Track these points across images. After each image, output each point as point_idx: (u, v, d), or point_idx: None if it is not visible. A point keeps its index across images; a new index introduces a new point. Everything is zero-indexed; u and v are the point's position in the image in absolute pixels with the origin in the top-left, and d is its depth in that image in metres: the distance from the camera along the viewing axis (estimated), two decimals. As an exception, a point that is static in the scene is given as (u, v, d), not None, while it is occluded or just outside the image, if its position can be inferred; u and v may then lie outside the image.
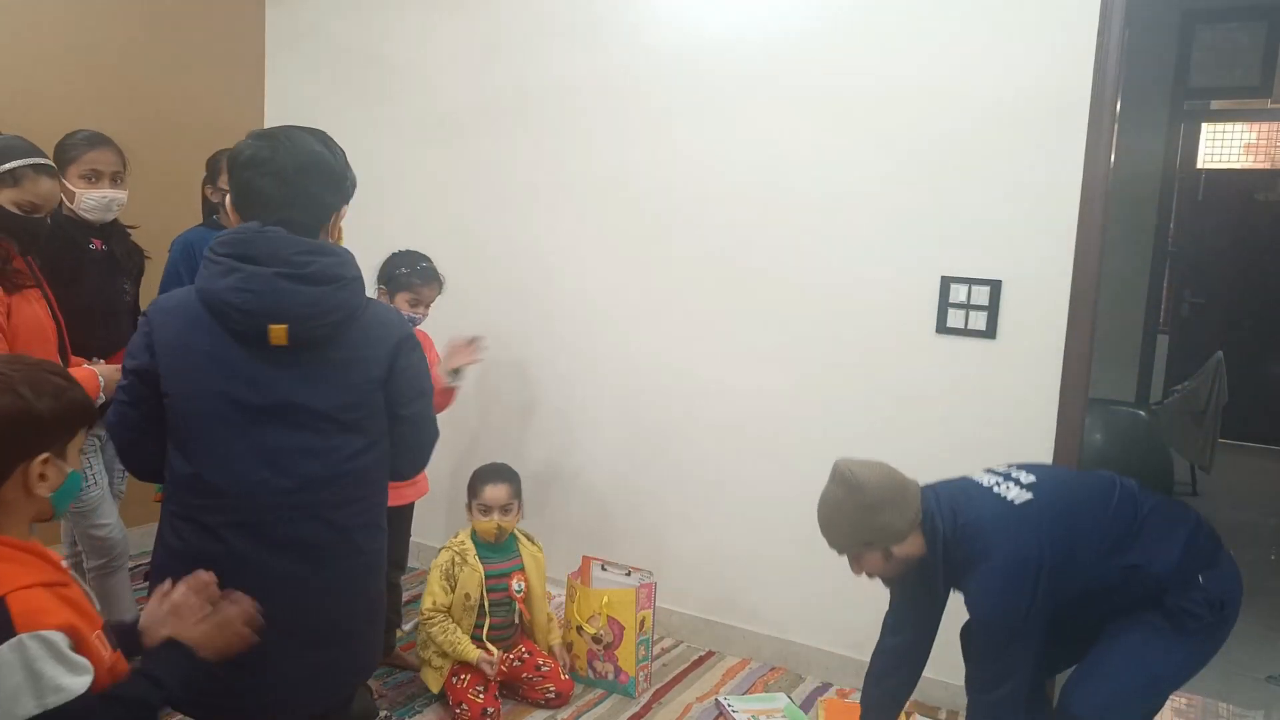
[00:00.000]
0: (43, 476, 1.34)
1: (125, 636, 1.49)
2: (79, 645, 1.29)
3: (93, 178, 2.50)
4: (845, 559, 2.07)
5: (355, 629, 1.77)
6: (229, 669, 1.58)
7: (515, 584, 2.82)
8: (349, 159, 1.76)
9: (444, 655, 2.74)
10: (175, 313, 1.66)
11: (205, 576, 1.52)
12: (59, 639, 1.24)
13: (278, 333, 1.59)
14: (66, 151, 2.48)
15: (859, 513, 1.97)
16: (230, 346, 1.61)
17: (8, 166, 2.15)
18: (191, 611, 1.49)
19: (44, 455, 1.33)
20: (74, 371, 2.22)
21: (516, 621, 2.84)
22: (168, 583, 1.51)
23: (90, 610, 1.37)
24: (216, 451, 1.63)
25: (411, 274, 2.76)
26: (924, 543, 1.99)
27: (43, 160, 2.23)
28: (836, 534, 2.04)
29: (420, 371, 1.78)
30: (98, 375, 2.25)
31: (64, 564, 1.42)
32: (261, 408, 1.61)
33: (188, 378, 1.63)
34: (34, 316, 2.22)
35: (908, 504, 1.98)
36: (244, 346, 1.61)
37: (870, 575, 2.07)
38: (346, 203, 1.74)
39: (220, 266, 1.61)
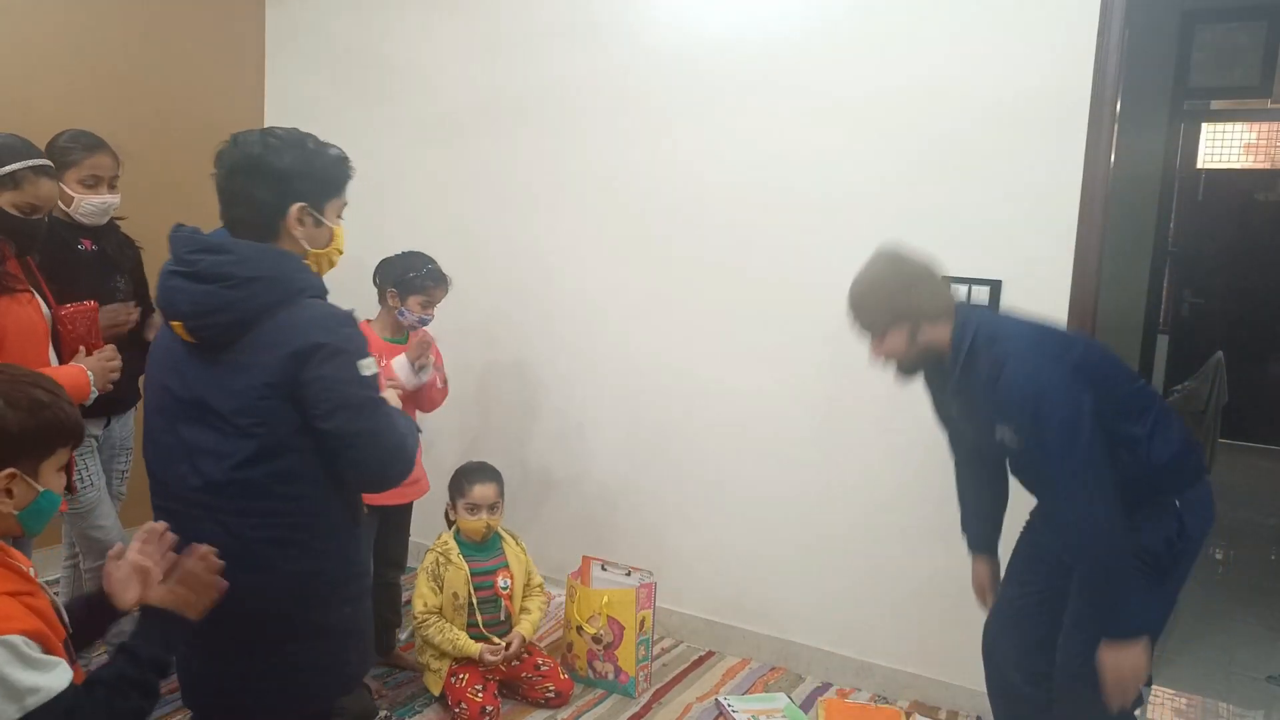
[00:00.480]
0: (8, 492, 1.31)
1: (95, 607, 1.49)
2: (46, 651, 1.27)
3: (93, 183, 2.49)
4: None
5: (281, 648, 1.69)
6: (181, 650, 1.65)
7: (501, 580, 2.83)
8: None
9: (441, 657, 2.74)
10: None
11: (156, 526, 1.56)
12: (19, 641, 1.23)
13: (177, 329, 1.65)
14: (65, 155, 2.45)
15: (898, 281, 2.03)
16: (177, 342, 1.68)
17: (8, 169, 2.14)
18: (152, 569, 1.49)
19: (9, 470, 1.30)
20: (62, 369, 2.22)
21: (504, 619, 2.84)
22: (119, 545, 1.55)
23: (55, 621, 1.36)
24: (154, 439, 1.74)
25: (424, 276, 2.77)
26: (950, 337, 2.03)
27: (42, 161, 2.22)
28: (869, 305, 2.07)
29: (342, 381, 1.60)
30: (86, 371, 2.25)
31: (31, 572, 1.40)
32: (185, 402, 1.66)
33: (151, 369, 1.76)
34: (27, 319, 2.21)
35: (944, 291, 2.07)
36: (182, 342, 1.67)
37: (887, 358, 2.10)
38: (299, 201, 1.66)
39: None
